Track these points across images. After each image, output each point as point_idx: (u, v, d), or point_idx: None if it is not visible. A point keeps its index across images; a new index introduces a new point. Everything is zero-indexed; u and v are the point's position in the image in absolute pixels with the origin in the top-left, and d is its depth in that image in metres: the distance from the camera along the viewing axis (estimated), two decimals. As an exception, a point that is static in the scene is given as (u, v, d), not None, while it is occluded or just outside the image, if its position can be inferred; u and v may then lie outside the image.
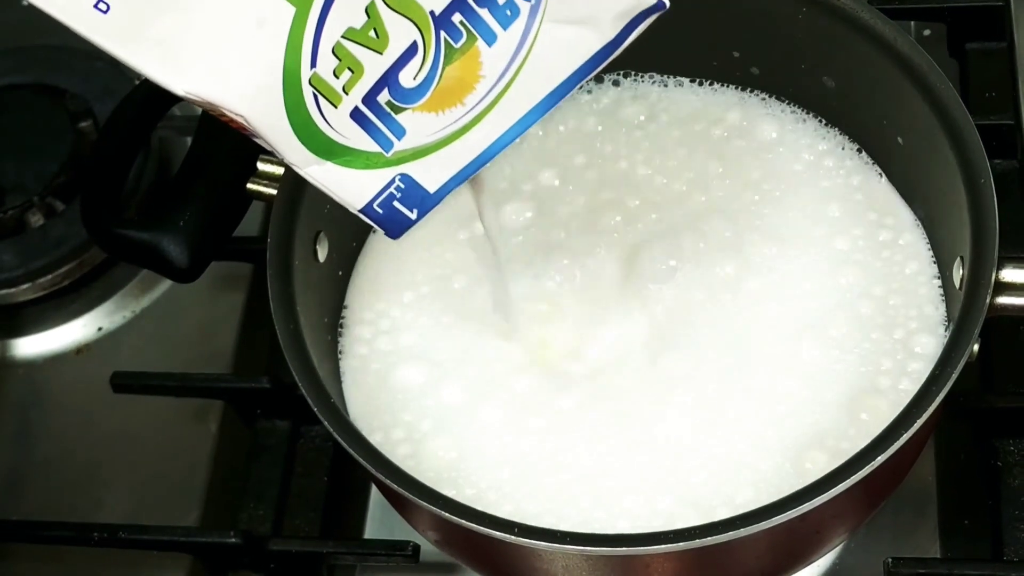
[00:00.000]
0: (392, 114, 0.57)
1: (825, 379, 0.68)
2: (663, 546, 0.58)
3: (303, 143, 0.56)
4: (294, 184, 0.69)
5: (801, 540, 0.65)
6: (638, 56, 0.72)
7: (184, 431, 0.84)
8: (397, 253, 0.76)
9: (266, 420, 0.82)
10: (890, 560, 0.71)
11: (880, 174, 0.75)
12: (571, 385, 0.70)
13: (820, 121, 0.77)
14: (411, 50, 0.55)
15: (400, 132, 0.57)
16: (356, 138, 0.57)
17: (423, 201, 0.59)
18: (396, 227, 0.60)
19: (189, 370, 0.84)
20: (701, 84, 0.79)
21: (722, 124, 0.77)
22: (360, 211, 0.59)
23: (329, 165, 0.57)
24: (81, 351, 0.89)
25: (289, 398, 0.79)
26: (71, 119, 0.92)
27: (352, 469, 0.78)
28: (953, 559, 0.74)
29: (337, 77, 0.55)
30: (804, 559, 0.68)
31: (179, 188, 0.73)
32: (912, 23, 0.91)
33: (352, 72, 0.55)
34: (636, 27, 0.56)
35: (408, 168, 0.58)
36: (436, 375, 0.71)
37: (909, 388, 0.66)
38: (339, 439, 0.63)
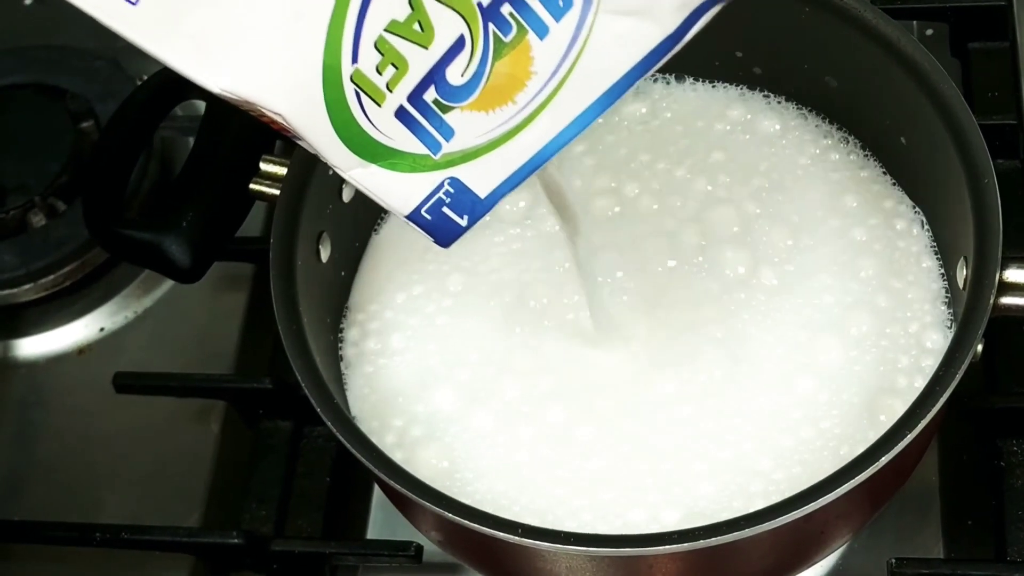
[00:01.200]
0: (440, 113, 0.53)
1: (844, 380, 0.67)
2: (667, 547, 0.58)
3: (346, 144, 0.53)
4: (297, 184, 0.69)
5: (805, 541, 0.65)
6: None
7: (186, 432, 0.84)
8: (399, 253, 0.75)
9: (268, 420, 0.82)
10: (893, 560, 0.71)
11: (884, 173, 0.75)
12: (567, 388, 0.69)
13: (822, 118, 0.77)
14: (458, 44, 0.52)
15: (448, 133, 0.54)
16: (402, 139, 0.54)
17: (474, 207, 0.56)
18: (446, 235, 0.57)
19: (191, 370, 0.84)
20: (703, 82, 0.79)
21: (725, 119, 0.77)
22: (407, 217, 0.56)
23: (374, 168, 0.54)
24: (83, 351, 0.89)
25: (291, 398, 0.79)
26: (72, 119, 0.92)
27: (355, 469, 0.79)
28: (956, 559, 0.74)
29: (380, 73, 0.52)
30: (808, 559, 0.68)
31: (181, 188, 0.73)
32: (915, 23, 0.91)
33: (396, 68, 0.52)
34: (698, 19, 0.53)
35: (457, 171, 0.55)
36: (429, 380, 0.70)
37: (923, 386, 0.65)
38: (342, 439, 0.62)
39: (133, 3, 0.49)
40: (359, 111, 0.53)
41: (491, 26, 0.52)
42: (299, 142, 0.54)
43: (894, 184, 0.74)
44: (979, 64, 0.88)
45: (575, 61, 0.53)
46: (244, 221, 0.74)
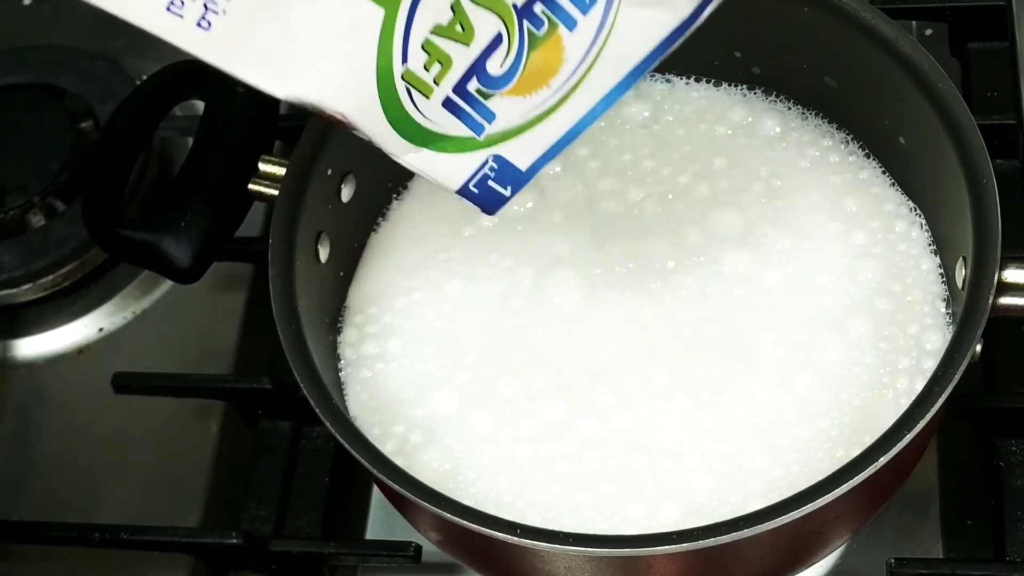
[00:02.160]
0: (482, 100, 0.59)
1: (843, 380, 0.67)
2: (666, 547, 0.58)
3: (399, 133, 0.59)
4: (295, 185, 0.69)
5: (804, 541, 0.65)
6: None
7: (185, 432, 0.84)
8: (398, 254, 0.75)
9: (267, 421, 0.82)
10: (892, 560, 0.71)
11: (883, 173, 0.75)
12: (566, 386, 0.69)
13: (823, 118, 0.77)
14: (496, 41, 0.57)
15: (490, 116, 0.59)
16: (449, 125, 0.59)
17: (516, 178, 0.62)
18: (492, 204, 0.63)
19: (190, 371, 0.84)
20: (704, 82, 0.79)
21: (726, 122, 0.77)
22: (457, 192, 0.62)
23: (425, 152, 0.60)
24: (82, 352, 0.89)
25: (290, 399, 0.79)
26: (72, 119, 0.92)
27: (354, 470, 0.79)
28: (955, 559, 0.74)
29: (427, 71, 0.57)
30: (807, 560, 0.68)
31: (180, 188, 0.73)
32: (914, 23, 0.91)
33: (441, 65, 0.57)
34: (708, 5, 0.58)
35: (500, 149, 0.61)
36: (427, 384, 0.70)
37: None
38: (341, 440, 0.63)
39: (206, 29, 0.53)
40: (410, 104, 0.58)
41: (525, 22, 0.57)
42: (354, 132, 0.58)
43: (893, 185, 0.74)
44: (978, 64, 0.88)
45: (601, 48, 0.59)
46: (243, 221, 0.74)
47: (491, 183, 0.62)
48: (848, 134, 0.76)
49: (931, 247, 0.71)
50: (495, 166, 0.61)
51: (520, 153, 0.61)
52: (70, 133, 0.92)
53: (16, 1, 1.02)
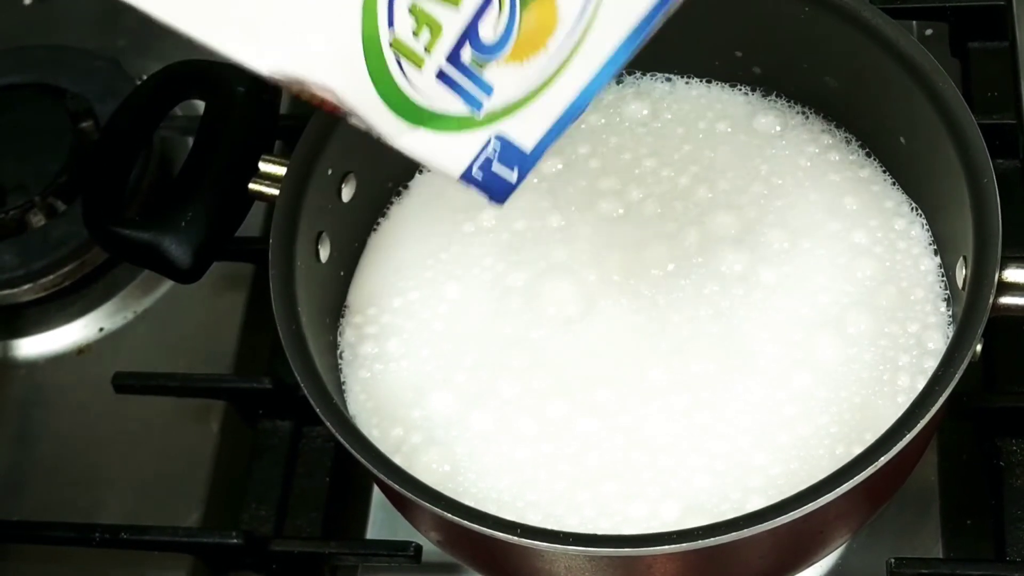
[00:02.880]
0: (477, 71, 0.56)
1: (842, 377, 0.67)
2: (666, 547, 0.58)
3: (393, 111, 0.55)
4: (295, 184, 0.70)
5: (804, 540, 0.65)
6: (639, 55, 0.72)
7: (185, 431, 0.84)
8: (397, 253, 0.75)
9: (268, 420, 0.82)
10: (892, 560, 0.71)
11: (884, 172, 0.75)
12: (565, 386, 0.69)
13: (823, 118, 0.77)
14: (486, 1, 0.55)
15: (488, 89, 0.56)
16: (445, 101, 0.56)
17: (522, 160, 0.59)
18: (499, 191, 0.59)
19: (190, 370, 0.84)
20: (703, 82, 0.79)
21: (726, 120, 0.77)
22: (461, 178, 0.58)
23: (421, 131, 0.56)
24: (82, 351, 0.89)
25: (291, 398, 0.79)
26: (72, 119, 0.92)
27: (354, 469, 0.78)
28: (956, 559, 0.74)
29: (417, 37, 0.54)
30: (807, 559, 0.68)
31: (181, 188, 0.73)
32: (914, 22, 0.91)
33: (431, 30, 0.54)
34: None
35: (502, 127, 0.57)
36: (427, 385, 0.70)
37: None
38: (341, 440, 0.63)
39: None
40: (401, 77, 0.55)
41: None
42: (350, 118, 0.55)
43: (893, 184, 0.74)
44: (979, 64, 0.88)
45: (598, 4, 0.56)
46: (243, 221, 0.74)
47: (495, 167, 0.58)
48: (848, 133, 0.76)
49: (931, 246, 0.72)
50: (498, 146, 0.58)
51: (523, 130, 0.58)
52: (70, 133, 0.91)
53: (16, 1, 1.02)
